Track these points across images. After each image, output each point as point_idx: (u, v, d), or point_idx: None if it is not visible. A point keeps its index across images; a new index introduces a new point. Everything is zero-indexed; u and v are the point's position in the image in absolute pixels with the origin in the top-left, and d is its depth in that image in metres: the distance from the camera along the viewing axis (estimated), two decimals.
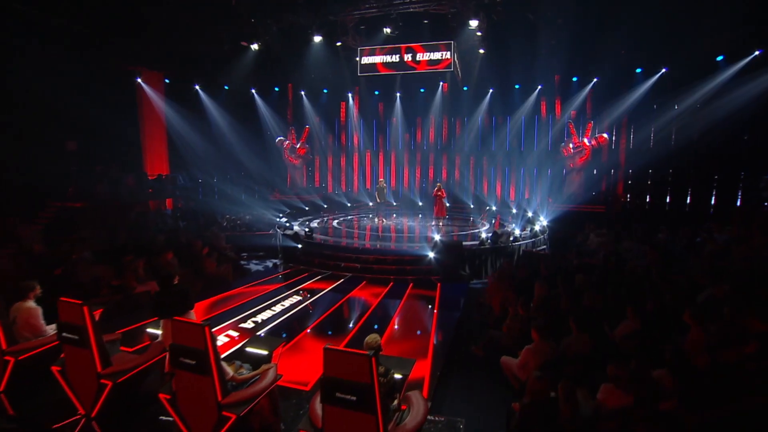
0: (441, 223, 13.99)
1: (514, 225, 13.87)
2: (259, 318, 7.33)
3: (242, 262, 11.26)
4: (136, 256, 8.13)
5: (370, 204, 18.44)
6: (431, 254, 9.81)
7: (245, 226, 13.78)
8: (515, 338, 5.52)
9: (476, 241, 10.65)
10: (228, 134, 17.32)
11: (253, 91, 17.91)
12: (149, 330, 5.15)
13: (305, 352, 6.07)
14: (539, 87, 16.29)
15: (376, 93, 19.21)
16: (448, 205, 17.92)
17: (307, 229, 11.39)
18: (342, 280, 9.65)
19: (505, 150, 17.82)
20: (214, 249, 10.13)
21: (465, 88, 17.50)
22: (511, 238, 10.84)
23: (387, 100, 19.02)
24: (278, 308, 7.84)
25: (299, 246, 10.98)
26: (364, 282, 9.48)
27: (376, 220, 15.25)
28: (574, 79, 15.53)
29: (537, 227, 11.87)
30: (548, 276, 7.17)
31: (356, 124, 19.30)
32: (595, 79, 14.93)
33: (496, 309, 6.89)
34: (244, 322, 7.13)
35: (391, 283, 9.41)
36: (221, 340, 6.37)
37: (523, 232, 11.99)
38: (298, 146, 18.51)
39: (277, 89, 18.54)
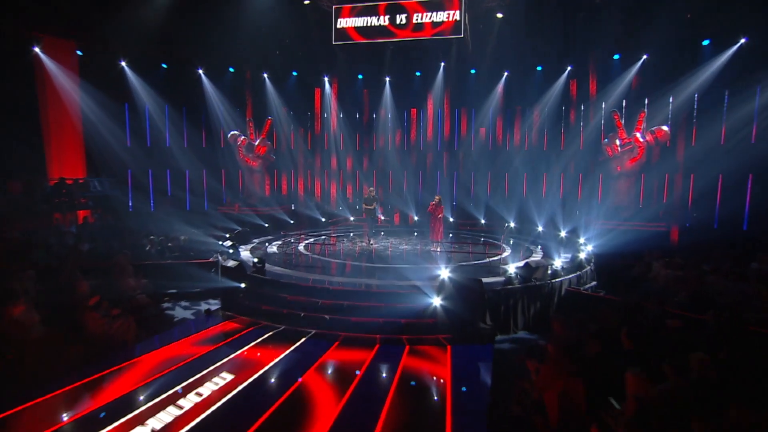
0: (440, 249, 11.65)
1: (539, 247, 11.68)
2: (150, 426, 4.82)
3: (166, 305, 8.99)
4: None
5: (351, 219, 16.15)
6: (436, 300, 7.42)
7: (178, 250, 11.28)
8: None
9: (500, 277, 8.29)
10: (166, 127, 15.25)
11: (200, 71, 15.63)
12: None
13: None
14: (569, 68, 14.38)
15: (360, 77, 17.32)
16: (452, 220, 15.83)
17: (256, 259, 8.91)
18: (303, 339, 7.18)
19: (524, 149, 15.74)
20: (114, 290, 7.67)
21: (472, 71, 15.64)
22: (549, 272, 8.53)
23: (373, 86, 17.14)
24: (189, 401, 5.33)
25: (242, 285, 8.49)
26: (336, 343, 7.04)
27: (361, 243, 12.87)
28: (616, 56, 13.68)
29: (582, 255, 9.56)
30: (639, 353, 4.80)
31: (334, 117, 17.27)
32: (644, 56, 13.05)
33: (552, 412, 4.52)
34: None
35: (377, 345, 6.98)
36: None
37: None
38: (257, 143, 16.22)
39: (231, 70, 16.32)
